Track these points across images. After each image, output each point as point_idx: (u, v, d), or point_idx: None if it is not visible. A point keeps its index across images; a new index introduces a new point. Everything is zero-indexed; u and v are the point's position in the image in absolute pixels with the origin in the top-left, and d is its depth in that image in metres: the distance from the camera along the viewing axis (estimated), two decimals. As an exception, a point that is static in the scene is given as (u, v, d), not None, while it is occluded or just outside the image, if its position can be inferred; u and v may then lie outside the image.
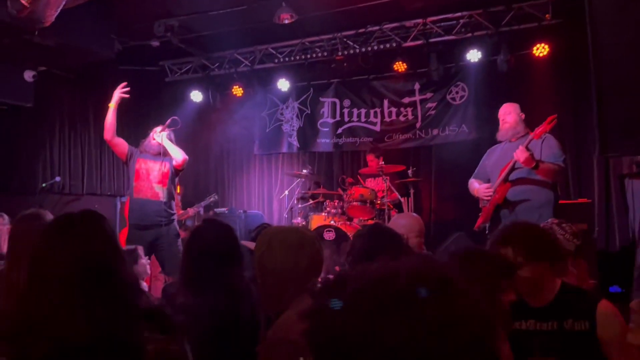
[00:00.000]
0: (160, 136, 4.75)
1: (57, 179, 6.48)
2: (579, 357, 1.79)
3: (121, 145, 4.77)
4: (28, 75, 6.08)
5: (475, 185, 4.27)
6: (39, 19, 4.13)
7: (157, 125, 4.98)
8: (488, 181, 4.21)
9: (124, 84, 4.80)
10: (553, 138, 4.03)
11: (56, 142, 7.20)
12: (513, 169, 3.95)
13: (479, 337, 0.67)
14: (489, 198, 4.07)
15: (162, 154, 4.69)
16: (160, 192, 4.66)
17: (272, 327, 1.69)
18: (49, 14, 4.06)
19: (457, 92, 6.95)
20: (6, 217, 4.17)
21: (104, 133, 4.74)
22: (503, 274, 1.62)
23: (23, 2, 3.96)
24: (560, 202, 4.24)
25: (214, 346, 2.05)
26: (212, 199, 6.88)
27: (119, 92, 4.77)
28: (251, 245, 2.93)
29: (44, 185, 6.42)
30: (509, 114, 4.15)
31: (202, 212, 7.40)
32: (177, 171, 4.80)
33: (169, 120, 4.83)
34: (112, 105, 4.75)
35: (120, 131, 7.79)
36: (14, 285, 2.03)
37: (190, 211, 6.62)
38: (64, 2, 4.13)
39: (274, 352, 1.60)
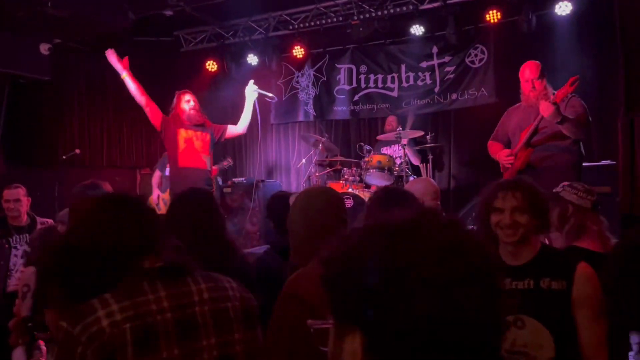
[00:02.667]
0: (253, 93, 4.79)
1: (77, 151, 6.53)
2: (553, 316, 1.80)
3: (156, 111, 4.67)
4: (44, 48, 6.09)
5: (496, 149, 4.18)
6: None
7: (173, 95, 4.93)
8: (508, 142, 4.12)
9: (111, 51, 4.72)
10: (577, 98, 3.92)
11: (75, 115, 7.27)
12: (535, 132, 3.85)
13: (481, 270, 0.70)
14: (510, 165, 3.99)
15: (203, 124, 4.73)
16: (207, 161, 4.69)
17: (287, 283, 1.72)
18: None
19: (476, 55, 6.79)
20: (24, 188, 4.24)
21: (137, 101, 4.68)
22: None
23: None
24: (583, 164, 4.15)
25: None
26: (225, 163, 6.86)
27: (119, 61, 4.69)
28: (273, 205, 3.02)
29: (64, 157, 6.49)
30: (537, 79, 3.96)
31: (220, 181, 7.44)
32: (216, 141, 4.86)
33: (271, 95, 4.95)
34: (124, 75, 4.69)
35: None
36: None
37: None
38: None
39: (282, 306, 1.64)
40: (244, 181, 7.19)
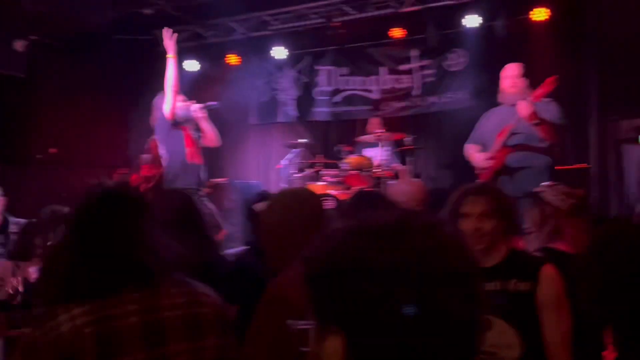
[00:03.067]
0: (200, 113, 4.71)
1: (52, 150, 6.41)
2: (520, 316, 1.85)
3: (175, 104, 4.61)
4: (19, 45, 5.96)
5: (472, 152, 4.24)
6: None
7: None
8: (485, 145, 4.18)
9: (169, 30, 4.67)
10: (555, 103, 3.99)
11: (50, 113, 7.13)
12: (512, 133, 3.92)
13: (461, 271, 0.72)
14: (488, 166, 4.04)
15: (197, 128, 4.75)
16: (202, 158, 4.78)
17: (269, 285, 1.72)
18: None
19: (454, 59, 6.87)
20: (0, 188, 4.16)
21: (171, 88, 4.55)
22: None
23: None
24: (557, 167, 4.23)
25: None
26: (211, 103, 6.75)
27: (171, 40, 4.63)
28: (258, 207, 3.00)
29: (38, 156, 6.37)
30: (518, 78, 4.03)
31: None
32: None
33: (211, 103, 4.87)
34: (171, 55, 4.61)
35: (116, 100, 7.72)
36: None
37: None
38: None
39: (267, 308, 1.64)
40: (224, 181, 7.14)
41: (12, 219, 4.19)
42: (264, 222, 1.88)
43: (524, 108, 3.70)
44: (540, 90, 3.80)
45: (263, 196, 3.09)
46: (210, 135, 4.84)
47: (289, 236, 1.77)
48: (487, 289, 1.89)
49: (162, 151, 4.58)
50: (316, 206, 1.89)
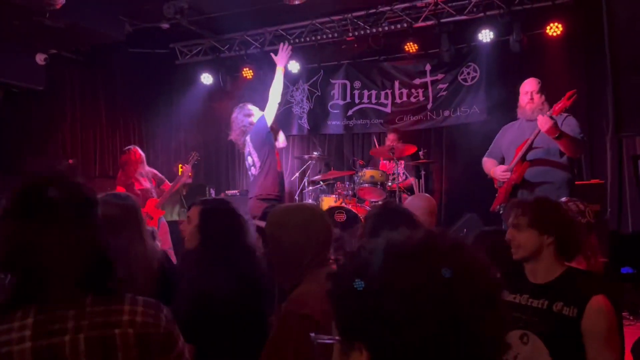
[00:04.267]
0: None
1: (70, 161, 6.50)
2: (557, 340, 1.82)
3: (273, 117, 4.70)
4: (40, 58, 6.09)
5: (490, 166, 4.22)
6: (51, 1, 4.12)
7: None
8: (502, 160, 4.17)
9: (286, 44, 4.76)
10: (572, 117, 3.98)
11: (67, 125, 7.25)
12: (531, 147, 3.90)
13: (486, 292, 0.73)
14: (506, 180, 4.03)
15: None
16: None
17: (286, 300, 1.72)
18: (60, -5, 4.05)
19: (468, 73, 6.89)
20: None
21: (276, 98, 4.64)
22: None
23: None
24: (577, 182, 4.21)
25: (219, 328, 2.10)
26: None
27: (284, 52, 4.69)
28: (262, 224, 2.98)
29: (56, 167, 6.44)
30: (536, 93, 4.03)
31: (213, 193, 7.44)
32: None
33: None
34: (281, 68, 4.69)
35: (131, 112, 7.82)
36: None
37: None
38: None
39: (286, 324, 1.63)
40: (238, 194, 7.19)
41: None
42: (272, 238, 1.86)
43: (544, 122, 3.68)
44: (559, 105, 3.78)
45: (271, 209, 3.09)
46: (284, 140, 4.93)
47: (298, 253, 1.76)
48: (532, 306, 1.89)
49: (255, 159, 4.61)
50: (326, 223, 1.88)
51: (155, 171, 5.88)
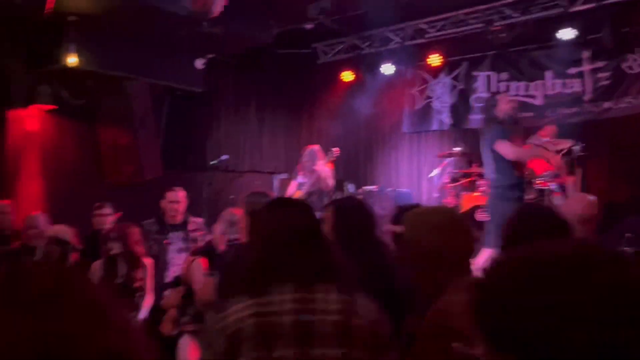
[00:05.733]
0: None
1: (226, 157, 7.00)
2: None
3: None
4: (199, 63, 6.67)
5: None
6: (210, 10, 4.50)
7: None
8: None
9: None
10: None
11: (222, 123, 7.87)
12: None
13: None
14: None
15: None
16: None
17: (431, 311, 1.67)
18: (218, 3, 4.40)
19: (635, 60, 6.17)
20: (184, 191, 4.67)
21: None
22: None
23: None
24: None
25: None
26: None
27: None
28: (396, 228, 3.00)
29: (212, 162, 7.04)
30: None
31: (351, 189, 7.55)
32: None
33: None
34: None
35: (278, 111, 8.23)
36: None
37: None
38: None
39: (432, 336, 1.59)
40: (375, 190, 7.24)
41: (191, 218, 4.68)
42: (410, 240, 1.83)
43: None
44: None
45: (413, 209, 3.04)
46: None
47: (436, 257, 1.71)
48: None
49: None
50: (465, 228, 1.80)
51: None
